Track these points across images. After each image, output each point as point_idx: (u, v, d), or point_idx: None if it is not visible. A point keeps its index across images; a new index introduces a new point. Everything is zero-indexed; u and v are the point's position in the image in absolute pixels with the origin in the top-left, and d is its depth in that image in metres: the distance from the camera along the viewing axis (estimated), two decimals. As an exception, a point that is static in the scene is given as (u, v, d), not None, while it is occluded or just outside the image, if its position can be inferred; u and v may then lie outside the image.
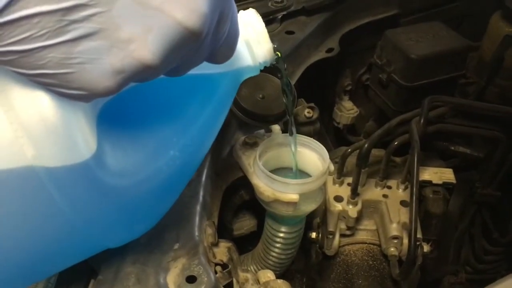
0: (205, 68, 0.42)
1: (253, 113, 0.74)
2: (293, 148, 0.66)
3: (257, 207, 0.76)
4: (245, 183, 0.72)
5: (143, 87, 0.39)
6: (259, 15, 0.48)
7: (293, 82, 0.87)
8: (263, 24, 0.48)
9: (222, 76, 0.48)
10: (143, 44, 0.32)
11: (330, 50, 0.96)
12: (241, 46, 0.47)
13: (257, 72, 0.51)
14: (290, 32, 0.93)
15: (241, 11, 0.48)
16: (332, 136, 1.22)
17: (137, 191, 0.44)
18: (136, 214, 0.46)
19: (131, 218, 0.46)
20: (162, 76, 0.37)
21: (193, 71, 0.39)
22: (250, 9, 0.49)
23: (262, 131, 0.75)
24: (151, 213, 0.50)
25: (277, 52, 0.50)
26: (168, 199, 0.51)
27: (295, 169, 0.68)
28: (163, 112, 0.46)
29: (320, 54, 0.94)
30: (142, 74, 0.33)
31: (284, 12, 0.95)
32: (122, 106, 0.42)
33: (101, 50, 0.31)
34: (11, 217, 0.39)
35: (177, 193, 0.52)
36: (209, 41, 0.36)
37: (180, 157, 0.46)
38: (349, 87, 1.15)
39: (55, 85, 0.33)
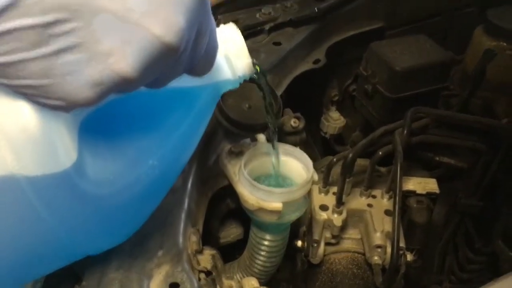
0: (185, 81, 0.43)
1: (239, 122, 0.75)
2: (274, 161, 0.68)
3: (243, 216, 0.77)
4: (231, 192, 0.73)
5: (124, 98, 0.40)
6: (239, 30, 0.50)
7: (280, 92, 0.88)
8: (242, 39, 0.49)
9: (202, 88, 0.49)
10: (121, 57, 0.33)
11: (317, 61, 0.97)
12: (221, 59, 0.49)
13: (236, 86, 0.52)
14: (277, 43, 0.94)
15: (222, 25, 0.50)
16: (319, 146, 1.23)
17: (117, 199, 0.45)
18: (117, 221, 0.47)
19: (112, 225, 0.47)
20: (142, 88, 0.38)
21: (174, 84, 0.41)
22: (230, 23, 0.50)
23: (247, 140, 0.76)
24: (131, 220, 0.51)
25: (256, 66, 0.52)
26: (148, 207, 0.52)
27: (276, 174, 0.69)
28: (143, 122, 0.47)
29: (306, 65, 0.96)
30: (121, 86, 0.34)
31: (272, 24, 0.96)
32: (103, 117, 0.43)
33: (81, 63, 0.32)
34: None
35: (157, 202, 0.53)
36: (187, 55, 0.37)
37: (159, 166, 0.47)
38: (336, 98, 1.17)
39: (36, 96, 0.34)
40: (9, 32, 0.30)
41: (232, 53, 0.49)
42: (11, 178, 0.37)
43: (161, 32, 0.33)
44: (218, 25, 0.94)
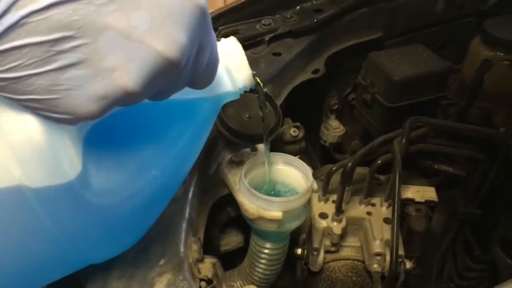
0: (187, 94, 0.44)
1: (239, 132, 0.76)
2: (267, 165, 0.69)
3: (244, 223, 0.78)
4: (231, 200, 0.73)
5: (127, 111, 0.41)
6: (239, 43, 0.51)
7: (279, 102, 0.89)
8: (243, 52, 0.51)
9: (203, 100, 0.50)
10: (125, 72, 0.34)
11: (316, 71, 0.98)
12: (222, 72, 0.50)
13: (237, 97, 0.53)
14: (277, 54, 0.96)
15: (223, 39, 0.51)
16: (319, 154, 1.24)
17: (119, 209, 0.46)
18: (120, 231, 0.49)
19: (114, 234, 0.48)
20: (145, 100, 0.39)
21: (176, 96, 0.42)
22: (231, 37, 0.52)
23: (248, 150, 0.77)
24: (134, 230, 0.52)
25: (256, 78, 0.53)
26: (151, 217, 0.53)
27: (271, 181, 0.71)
28: (145, 134, 0.48)
29: (306, 75, 0.97)
30: (124, 100, 0.36)
31: (272, 35, 0.97)
32: (106, 129, 0.44)
33: (86, 78, 0.33)
34: None
35: (159, 211, 0.54)
36: (189, 69, 0.38)
37: (161, 177, 0.48)
38: (336, 107, 1.18)
39: (42, 109, 0.35)
40: (16, 48, 0.31)
41: (233, 66, 0.50)
42: (17, 189, 0.38)
43: (164, 48, 0.34)
44: (218, 36, 0.96)
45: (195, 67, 0.39)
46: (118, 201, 0.46)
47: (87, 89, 0.34)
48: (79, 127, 0.41)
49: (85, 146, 0.43)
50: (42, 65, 0.32)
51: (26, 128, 0.37)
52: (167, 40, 0.34)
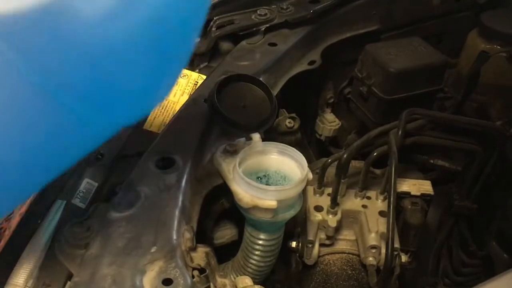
0: None
1: (234, 121, 0.75)
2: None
3: (238, 216, 0.77)
4: (225, 191, 0.73)
5: None
6: None
7: (275, 92, 0.88)
8: None
9: None
10: None
11: (312, 62, 0.97)
12: None
13: None
14: (272, 44, 0.95)
15: None
16: (314, 148, 1.23)
17: (113, 43, 0.35)
18: (125, 80, 0.37)
19: (117, 84, 0.37)
20: None
21: None
22: None
23: (242, 139, 0.76)
24: (142, 80, 0.39)
25: None
26: (164, 65, 0.40)
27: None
28: None
29: (302, 66, 0.96)
30: None
31: (267, 25, 0.97)
32: None
33: None
34: None
35: (177, 62, 0.41)
36: None
37: None
38: (331, 100, 1.17)
39: None
40: None
41: None
42: None
43: None
44: (213, 26, 0.94)
45: None
46: (110, 32, 0.34)
47: None
48: None
49: None
50: None
51: None
52: None
